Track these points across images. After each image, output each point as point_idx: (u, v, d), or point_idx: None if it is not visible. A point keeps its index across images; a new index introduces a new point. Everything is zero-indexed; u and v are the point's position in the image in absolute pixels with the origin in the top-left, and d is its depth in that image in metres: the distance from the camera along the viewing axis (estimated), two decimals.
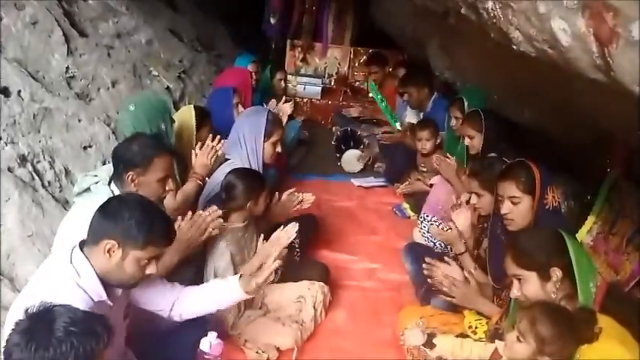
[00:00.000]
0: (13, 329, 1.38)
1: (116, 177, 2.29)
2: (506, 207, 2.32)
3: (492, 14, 2.16)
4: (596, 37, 1.64)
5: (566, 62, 1.88)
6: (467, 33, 3.02)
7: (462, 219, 2.87)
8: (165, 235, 1.85)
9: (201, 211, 2.49)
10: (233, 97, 3.88)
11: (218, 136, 3.13)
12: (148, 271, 1.82)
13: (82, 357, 1.35)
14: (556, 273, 1.83)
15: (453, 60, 4.02)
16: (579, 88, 1.97)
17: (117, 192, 2.25)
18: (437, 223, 3.35)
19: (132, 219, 1.74)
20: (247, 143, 3.15)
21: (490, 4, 2.13)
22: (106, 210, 1.79)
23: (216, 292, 2.18)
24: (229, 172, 2.71)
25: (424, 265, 2.52)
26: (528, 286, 1.88)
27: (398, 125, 4.97)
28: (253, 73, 4.85)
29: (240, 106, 3.89)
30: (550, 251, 1.86)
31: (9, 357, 1.35)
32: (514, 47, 2.14)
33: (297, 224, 2.68)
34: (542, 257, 1.86)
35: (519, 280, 1.90)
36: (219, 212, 2.50)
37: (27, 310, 1.40)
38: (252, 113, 3.35)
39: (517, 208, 2.30)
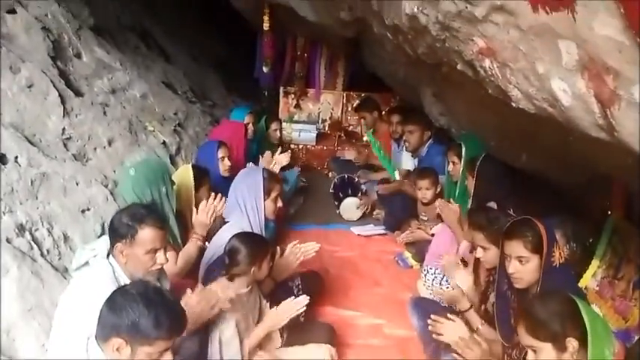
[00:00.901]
0: None
1: (111, 249, 2.26)
2: (513, 266, 2.29)
3: (490, 72, 2.17)
4: (597, 98, 1.65)
5: (567, 121, 1.88)
6: (460, 81, 3.04)
7: (462, 279, 2.85)
8: (175, 328, 1.79)
9: (211, 285, 2.42)
10: (218, 151, 3.90)
11: (219, 195, 3.12)
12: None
13: None
14: (572, 344, 1.78)
15: (448, 106, 4.04)
16: (576, 134, 1.96)
17: (115, 265, 2.22)
18: (439, 277, 3.33)
19: (136, 314, 1.69)
20: (247, 204, 3.15)
21: (488, 63, 2.15)
22: (111, 305, 1.74)
23: None
24: (232, 237, 2.67)
25: (429, 322, 2.48)
26: (544, 356, 1.83)
27: (397, 174, 4.96)
28: (250, 124, 4.89)
29: (227, 159, 3.91)
30: (564, 321, 1.81)
31: None
32: (513, 104, 2.15)
33: (308, 297, 2.68)
34: (557, 327, 1.81)
35: (534, 350, 1.86)
36: (231, 290, 2.44)
37: None
38: (247, 174, 3.37)
39: (525, 267, 2.27)
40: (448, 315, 2.49)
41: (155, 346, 1.73)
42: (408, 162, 5.01)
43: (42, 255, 2.70)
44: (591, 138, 1.81)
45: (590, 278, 3.25)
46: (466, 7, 2.01)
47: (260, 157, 4.71)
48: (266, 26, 5.81)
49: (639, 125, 1.53)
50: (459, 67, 2.51)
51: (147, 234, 2.25)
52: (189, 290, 2.37)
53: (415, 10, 2.39)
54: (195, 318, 2.28)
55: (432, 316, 2.49)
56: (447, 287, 3.00)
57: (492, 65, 2.12)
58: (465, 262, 3.06)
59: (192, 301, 2.31)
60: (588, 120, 1.74)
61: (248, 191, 3.19)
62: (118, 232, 2.24)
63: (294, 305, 2.64)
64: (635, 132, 1.56)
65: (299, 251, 3.09)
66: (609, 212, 3.26)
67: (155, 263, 2.28)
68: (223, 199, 3.16)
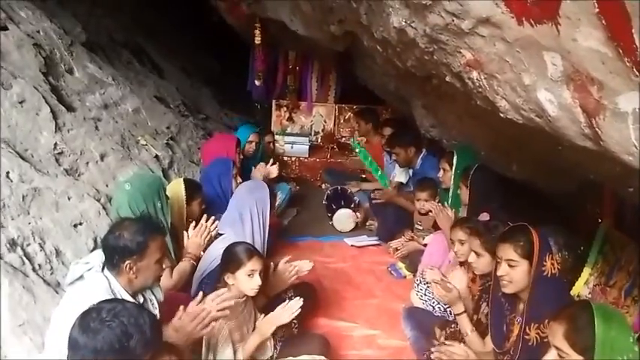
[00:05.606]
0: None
1: (111, 267, 2.23)
2: (502, 269, 2.32)
3: (478, 84, 2.20)
4: (583, 108, 1.67)
5: (554, 130, 1.91)
6: (450, 93, 3.07)
7: (458, 279, 2.86)
8: (148, 346, 1.72)
9: (204, 305, 2.33)
10: (233, 169, 3.95)
11: (212, 217, 3.13)
12: None
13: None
14: None
15: (438, 118, 4.07)
16: (564, 143, 1.98)
17: (111, 278, 2.20)
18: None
19: (107, 337, 1.63)
20: (254, 218, 3.18)
21: (475, 75, 2.17)
22: (83, 327, 1.68)
23: None
24: (228, 246, 2.68)
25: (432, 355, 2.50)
26: None
27: (387, 184, 4.98)
28: (254, 143, 4.96)
29: (237, 177, 3.96)
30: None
31: None
32: (501, 115, 2.17)
33: (302, 300, 2.66)
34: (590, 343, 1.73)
35: (560, 356, 1.80)
36: (225, 303, 2.37)
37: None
38: (254, 189, 3.38)
39: (514, 271, 2.29)
40: (448, 342, 2.53)
41: None
42: (401, 174, 5.03)
43: (34, 270, 2.70)
44: (579, 147, 1.83)
45: (583, 286, 3.26)
46: (453, 20, 2.04)
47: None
48: (257, 40, 5.82)
49: (625, 134, 1.55)
50: (447, 79, 2.54)
51: (156, 243, 2.29)
52: (181, 308, 2.33)
53: (403, 23, 2.42)
54: (189, 336, 2.25)
55: (433, 350, 2.53)
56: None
57: (480, 77, 2.14)
58: (461, 263, 3.07)
59: (185, 320, 2.26)
60: (574, 130, 1.76)
61: (257, 206, 3.22)
62: (127, 249, 2.22)
63: (287, 311, 2.63)
64: (621, 141, 1.58)
65: (292, 269, 3.08)
66: (600, 220, 3.28)
67: (162, 269, 2.35)
68: (216, 221, 3.17)
